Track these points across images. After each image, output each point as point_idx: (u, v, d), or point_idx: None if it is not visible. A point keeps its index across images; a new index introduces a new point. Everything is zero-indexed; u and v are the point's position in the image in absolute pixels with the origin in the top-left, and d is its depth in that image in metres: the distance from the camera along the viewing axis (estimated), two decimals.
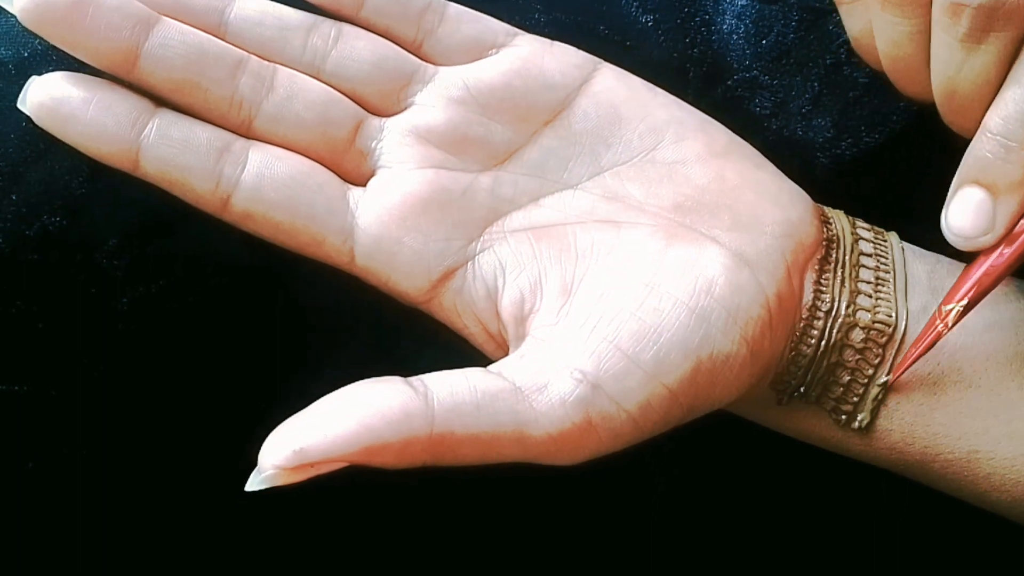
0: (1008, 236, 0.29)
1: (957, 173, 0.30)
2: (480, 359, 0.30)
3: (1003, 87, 0.28)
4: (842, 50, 0.35)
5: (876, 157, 0.35)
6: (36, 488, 0.31)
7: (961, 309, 0.29)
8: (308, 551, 0.34)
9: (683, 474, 0.35)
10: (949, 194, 0.30)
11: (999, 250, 0.30)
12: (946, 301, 0.30)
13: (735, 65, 0.35)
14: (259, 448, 0.25)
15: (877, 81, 0.35)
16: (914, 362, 0.30)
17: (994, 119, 0.28)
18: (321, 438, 0.24)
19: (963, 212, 0.29)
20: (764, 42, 0.35)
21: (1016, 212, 0.29)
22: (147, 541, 0.32)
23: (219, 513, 0.32)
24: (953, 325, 0.30)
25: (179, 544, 0.32)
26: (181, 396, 0.31)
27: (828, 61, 0.35)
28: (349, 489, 0.31)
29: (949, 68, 0.29)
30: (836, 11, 0.35)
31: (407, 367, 0.27)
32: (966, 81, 0.29)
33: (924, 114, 0.35)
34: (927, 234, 0.33)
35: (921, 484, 0.32)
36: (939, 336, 0.30)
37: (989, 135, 0.28)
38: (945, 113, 0.30)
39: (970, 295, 0.30)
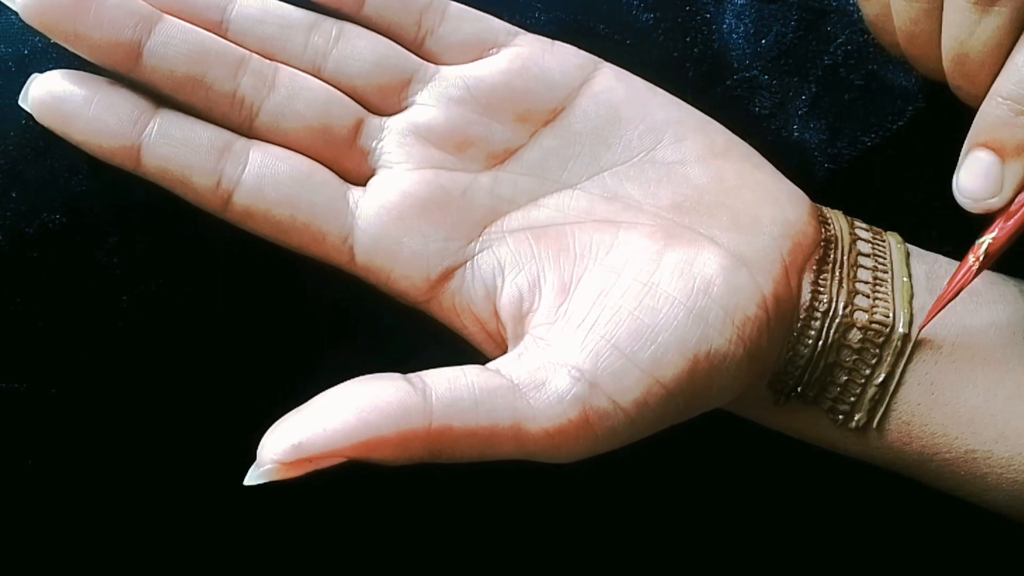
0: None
1: (968, 137, 0.30)
2: (479, 358, 0.30)
3: (1013, 51, 0.29)
4: (840, 51, 0.35)
5: (872, 159, 0.35)
6: (36, 486, 0.31)
7: (991, 240, 0.30)
8: (308, 549, 0.34)
9: (680, 472, 0.35)
10: (960, 157, 0.30)
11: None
12: (980, 236, 0.30)
13: (735, 65, 0.35)
14: (259, 444, 0.25)
15: (873, 84, 0.35)
16: (947, 303, 0.30)
17: (1004, 83, 0.29)
18: (319, 432, 0.24)
19: (973, 175, 0.30)
20: (764, 42, 0.35)
21: None
22: (148, 539, 0.32)
23: (220, 511, 0.32)
24: (985, 262, 0.30)
25: (180, 542, 0.33)
26: (181, 394, 0.31)
27: (826, 62, 0.35)
28: (348, 487, 0.31)
29: (961, 32, 0.29)
30: (835, 12, 0.35)
31: (406, 365, 0.27)
32: (977, 45, 0.29)
33: (918, 117, 0.35)
34: (923, 234, 0.33)
35: (919, 482, 0.32)
36: (972, 274, 0.30)
37: (999, 99, 0.29)
38: (955, 80, 0.31)
39: (1000, 228, 0.30)
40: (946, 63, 0.30)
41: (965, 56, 0.29)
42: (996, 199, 0.30)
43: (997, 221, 0.30)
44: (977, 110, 0.30)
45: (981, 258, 0.30)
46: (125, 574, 0.32)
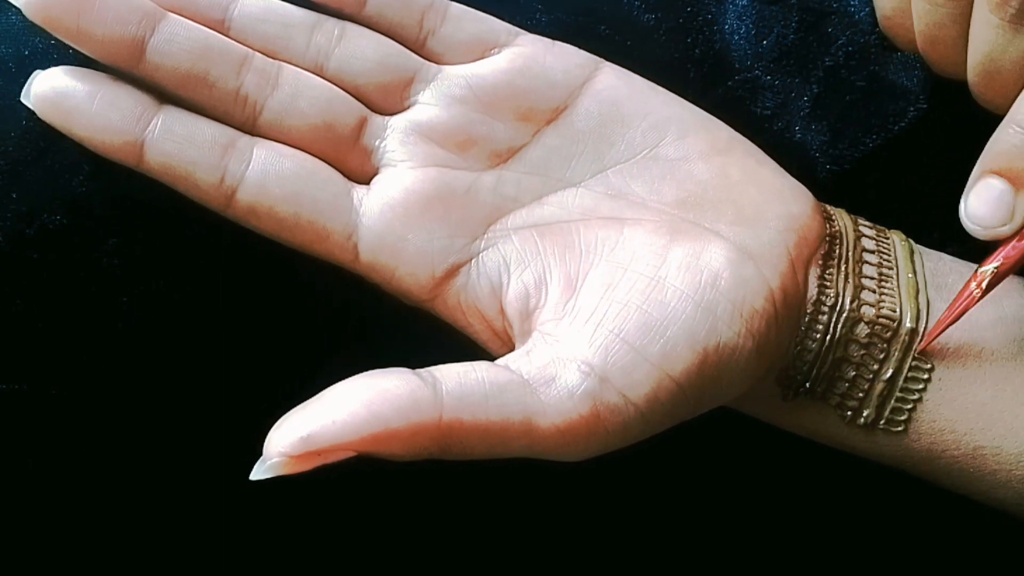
0: None
1: (980, 160, 0.29)
2: (486, 359, 0.30)
3: None
4: (840, 53, 0.35)
5: (874, 160, 0.35)
6: (36, 487, 0.31)
7: (995, 269, 0.29)
8: (310, 550, 0.33)
9: (686, 474, 0.35)
10: (970, 181, 0.29)
11: None
12: (982, 264, 0.30)
13: (736, 65, 0.35)
14: (261, 443, 0.24)
15: (874, 85, 0.35)
16: (947, 327, 0.30)
17: (1023, 112, 0.28)
18: (329, 424, 0.24)
19: (983, 201, 0.29)
20: (764, 43, 0.35)
21: None
22: (148, 539, 0.32)
23: (221, 512, 0.32)
24: (988, 289, 0.29)
25: (180, 542, 0.32)
26: (181, 395, 0.31)
27: (827, 63, 0.35)
28: (350, 491, 0.31)
29: (993, 49, 0.28)
30: (836, 13, 0.36)
31: (411, 367, 0.27)
32: (1009, 63, 0.28)
33: (920, 118, 0.35)
34: (925, 236, 0.33)
35: (927, 483, 0.32)
36: (973, 301, 0.29)
37: (1016, 128, 0.28)
38: (980, 89, 0.30)
39: (1005, 256, 0.29)
40: (972, 74, 0.30)
41: (996, 72, 0.29)
42: (1007, 227, 0.29)
43: (1001, 248, 0.29)
44: (996, 115, 0.29)
45: (984, 287, 0.29)
46: (125, 574, 0.32)
